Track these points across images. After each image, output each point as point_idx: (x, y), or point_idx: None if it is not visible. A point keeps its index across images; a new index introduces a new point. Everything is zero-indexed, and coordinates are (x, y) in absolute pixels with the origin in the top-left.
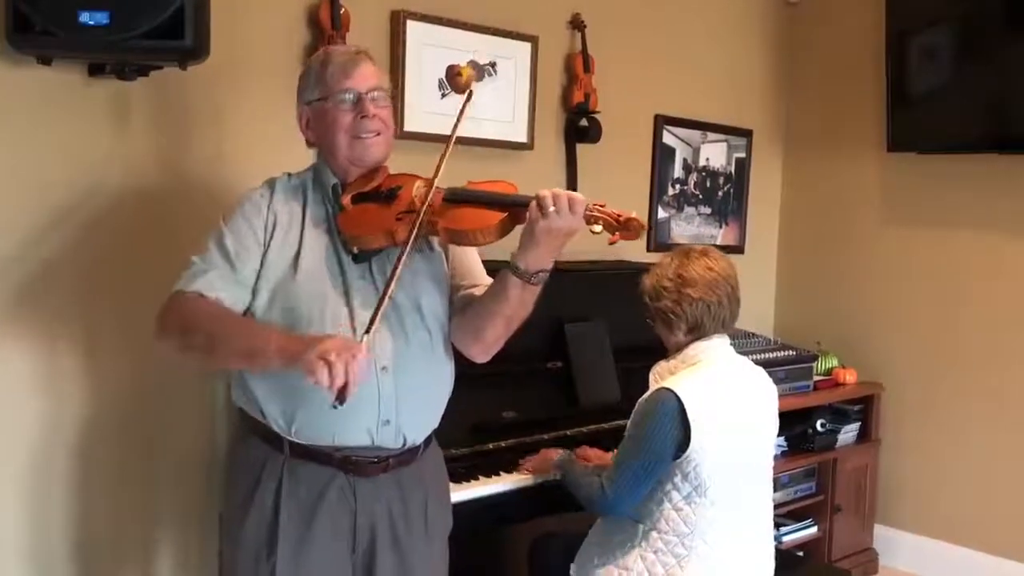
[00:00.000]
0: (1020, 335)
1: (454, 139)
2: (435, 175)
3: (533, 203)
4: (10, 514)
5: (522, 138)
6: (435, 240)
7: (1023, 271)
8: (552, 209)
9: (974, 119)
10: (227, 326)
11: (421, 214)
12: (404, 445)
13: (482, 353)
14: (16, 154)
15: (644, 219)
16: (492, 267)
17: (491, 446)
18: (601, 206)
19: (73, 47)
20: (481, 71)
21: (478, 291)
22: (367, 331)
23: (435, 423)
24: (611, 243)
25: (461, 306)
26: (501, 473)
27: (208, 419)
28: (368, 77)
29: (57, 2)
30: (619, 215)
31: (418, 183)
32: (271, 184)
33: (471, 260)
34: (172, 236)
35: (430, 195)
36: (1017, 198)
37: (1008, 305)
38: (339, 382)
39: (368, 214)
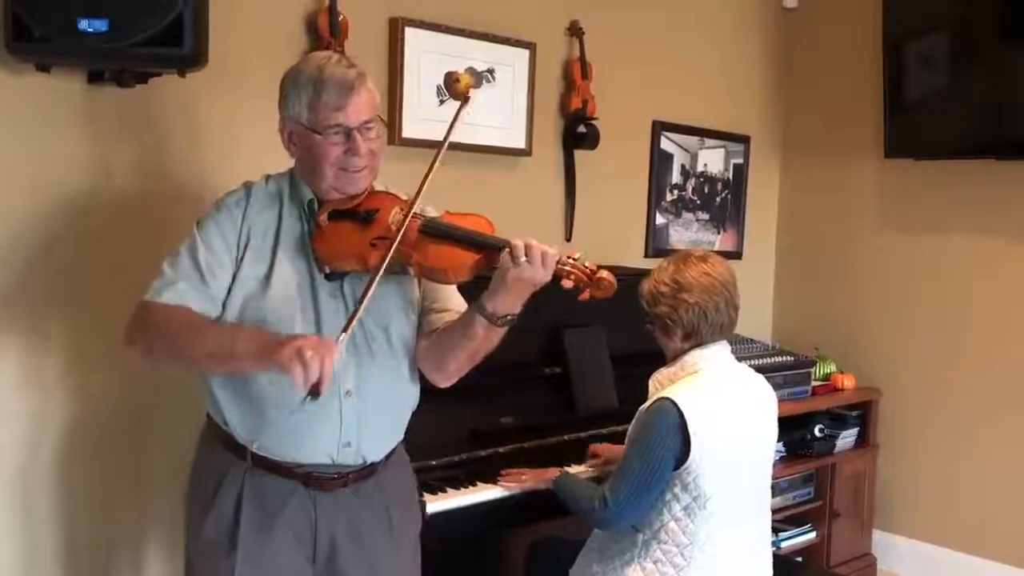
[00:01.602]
0: (1018, 341)
1: (441, 154)
2: (414, 200)
3: (506, 251)
4: (0, 517)
5: (520, 144)
6: (409, 269)
7: (1021, 276)
8: (524, 260)
9: (971, 125)
10: (194, 328)
11: (393, 247)
12: (364, 464)
13: (443, 381)
14: (15, 161)
15: (641, 229)
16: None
17: (489, 452)
18: (574, 259)
19: (72, 55)
20: (480, 78)
21: (447, 316)
22: (344, 330)
23: (397, 440)
24: (582, 299)
25: (429, 330)
26: (498, 479)
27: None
28: (361, 110)
29: (56, 10)
30: (591, 271)
31: (395, 209)
32: (248, 190)
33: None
34: (171, 242)
35: (404, 227)
36: (1014, 203)
37: (1006, 310)
38: (313, 378)
39: (343, 236)
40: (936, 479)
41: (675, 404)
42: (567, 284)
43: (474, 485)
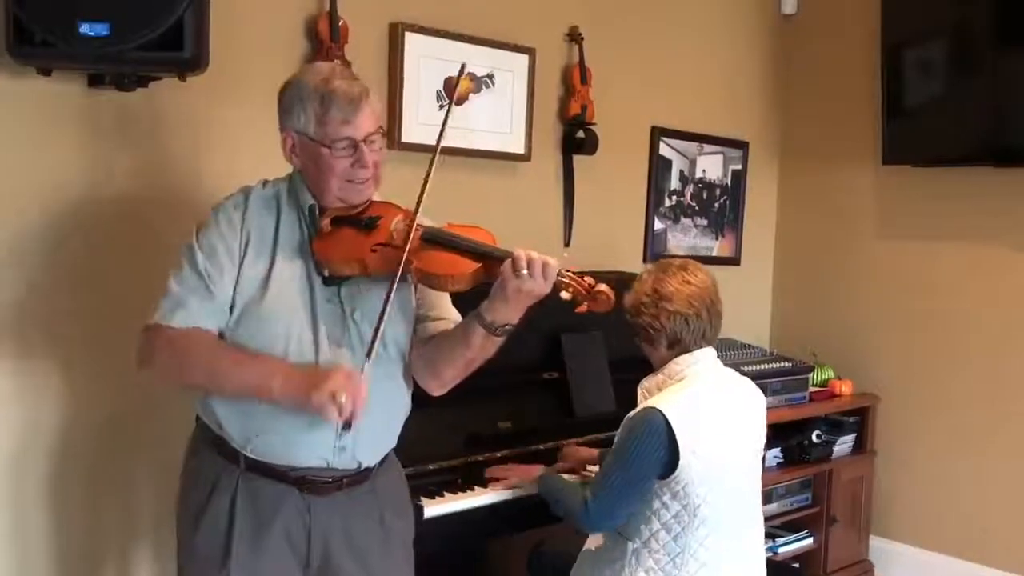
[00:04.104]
0: (1016, 347)
1: (434, 167)
2: (416, 210)
3: (508, 261)
4: None
5: (519, 149)
6: (408, 276)
7: (1018, 283)
8: (525, 272)
9: (969, 132)
10: (225, 360)
11: (405, 255)
12: (359, 468)
13: (438, 388)
14: (16, 164)
15: (639, 234)
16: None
17: (486, 456)
18: (574, 273)
19: (73, 58)
20: (479, 83)
21: (442, 324)
22: (367, 356)
23: (391, 446)
24: (578, 312)
25: (423, 338)
26: (487, 481)
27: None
28: (367, 123)
29: (57, 13)
30: (590, 286)
31: (398, 217)
32: (246, 194)
33: (437, 292)
34: (171, 245)
35: (411, 233)
36: (1012, 211)
37: (1003, 316)
38: (347, 415)
39: (344, 240)
40: (934, 485)
41: (662, 414)
42: (565, 296)
43: (472, 490)
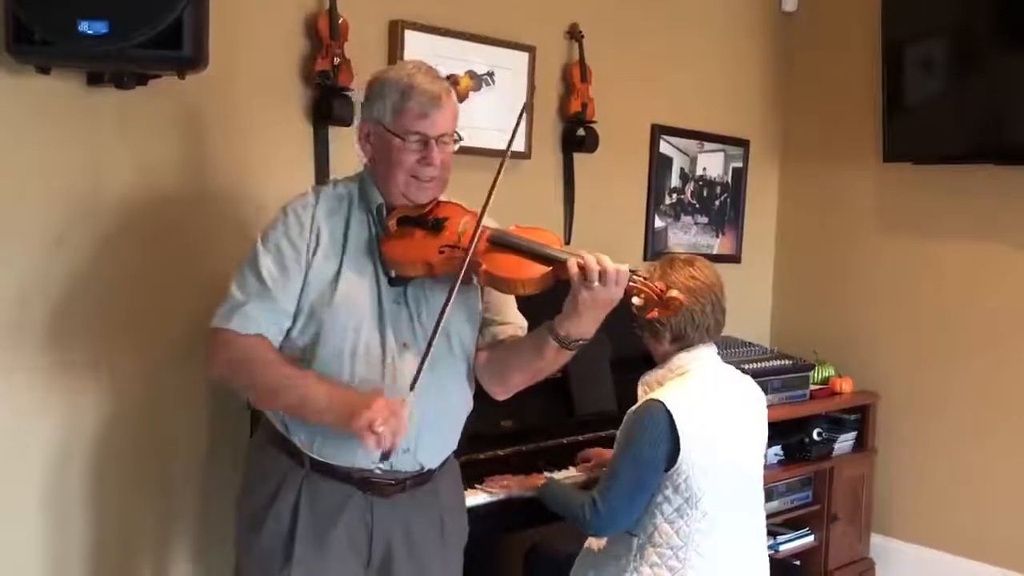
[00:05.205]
0: (1016, 344)
1: (502, 171)
2: (483, 210)
3: (577, 272)
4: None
5: (520, 147)
6: (473, 278)
7: (1019, 281)
8: (597, 283)
9: (970, 130)
10: (273, 379)
11: (468, 258)
12: (421, 470)
13: (503, 393)
14: (16, 163)
15: (640, 232)
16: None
17: (488, 455)
18: (644, 278)
19: (72, 56)
20: (479, 81)
21: (507, 329)
22: (412, 387)
23: (453, 448)
24: (648, 317)
25: (488, 341)
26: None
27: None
28: (444, 123)
29: (57, 12)
30: (661, 291)
31: (465, 218)
32: (316, 194)
33: (503, 296)
34: (170, 245)
35: (476, 237)
36: (1012, 209)
37: (1003, 314)
38: (386, 446)
39: (411, 241)
40: (934, 483)
41: (663, 405)
42: (636, 302)
43: (472, 488)
